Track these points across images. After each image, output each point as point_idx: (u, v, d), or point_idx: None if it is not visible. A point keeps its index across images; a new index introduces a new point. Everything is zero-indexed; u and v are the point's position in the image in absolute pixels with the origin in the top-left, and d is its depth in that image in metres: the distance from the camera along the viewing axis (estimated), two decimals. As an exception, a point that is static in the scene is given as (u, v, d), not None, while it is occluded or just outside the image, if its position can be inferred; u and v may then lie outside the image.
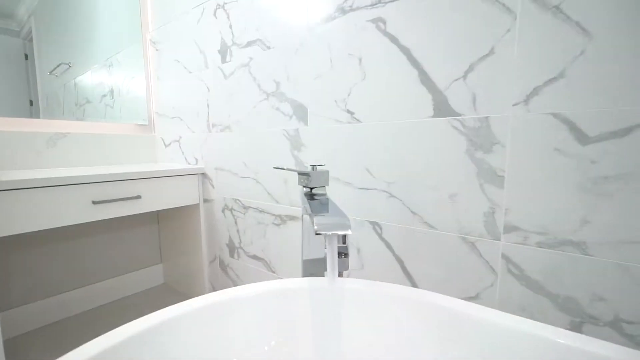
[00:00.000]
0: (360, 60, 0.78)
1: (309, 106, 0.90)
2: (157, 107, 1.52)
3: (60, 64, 1.33)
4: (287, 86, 0.95)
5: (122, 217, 1.42)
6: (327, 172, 0.56)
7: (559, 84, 0.54)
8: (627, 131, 0.49)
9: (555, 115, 0.54)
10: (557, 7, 0.53)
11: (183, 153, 1.40)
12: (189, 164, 1.38)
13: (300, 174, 0.57)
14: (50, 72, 1.31)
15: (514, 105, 0.58)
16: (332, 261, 0.51)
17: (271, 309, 0.50)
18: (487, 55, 0.60)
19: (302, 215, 0.62)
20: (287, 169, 0.55)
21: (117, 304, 1.42)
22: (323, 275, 0.59)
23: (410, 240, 0.74)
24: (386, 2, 0.72)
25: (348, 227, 0.41)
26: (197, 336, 0.46)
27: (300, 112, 0.93)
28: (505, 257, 0.62)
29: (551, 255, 0.57)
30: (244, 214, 1.15)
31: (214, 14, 1.15)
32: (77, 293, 1.33)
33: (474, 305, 0.47)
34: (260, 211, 1.09)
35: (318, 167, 0.58)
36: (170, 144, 1.47)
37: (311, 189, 0.58)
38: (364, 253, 0.83)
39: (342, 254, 0.59)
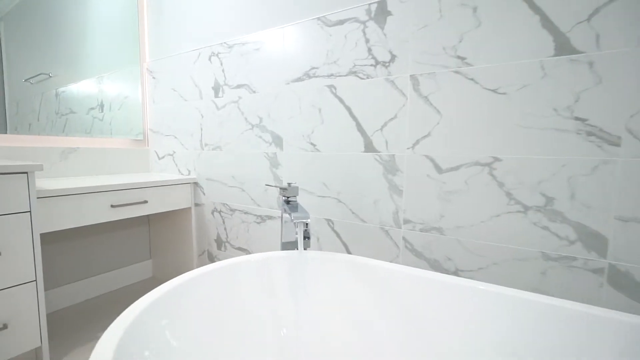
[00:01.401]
0: (320, 110, 1.17)
1: (284, 137, 1.27)
2: (152, 125, 1.80)
3: (40, 74, 1.54)
4: (268, 121, 1.31)
5: (117, 220, 1.68)
6: (297, 187, 0.94)
7: (428, 139, 0.96)
8: (458, 167, 0.92)
9: (426, 156, 0.97)
10: (426, 97, 0.95)
11: (177, 165, 1.69)
12: (181, 174, 1.67)
13: (281, 188, 0.94)
14: (26, 80, 1.52)
15: (407, 148, 1.00)
16: (300, 240, 0.88)
17: (267, 266, 0.86)
18: (393, 118, 1.02)
19: (282, 214, 0.99)
20: (274, 186, 0.91)
21: (114, 293, 1.66)
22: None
23: (351, 230, 1.14)
24: (336, 76, 1.12)
25: (308, 218, 0.79)
26: (223, 282, 0.80)
27: (278, 141, 1.29)
28: (404, 239, 1.03)
29: (426, 236, 0.99)
30: (231, 215, 1.49)
31: (209, 59, 1.48)
32: (84, 283, 1.57)
33: (386, 262, 0.86)
34: (245, 213, 1.43)
35: (292, 184, 0.95)
36: (164, 157, 1.75)
37: (287, 197, 0.95)
38: (322, 240, 1.21)
39: (306, 237, 0.96)
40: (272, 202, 1.34)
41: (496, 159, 0.87)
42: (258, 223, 1.39)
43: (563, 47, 0.77)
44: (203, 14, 1.49)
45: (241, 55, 1.37)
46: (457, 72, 0.90)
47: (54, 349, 1.19)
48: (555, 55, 0.78)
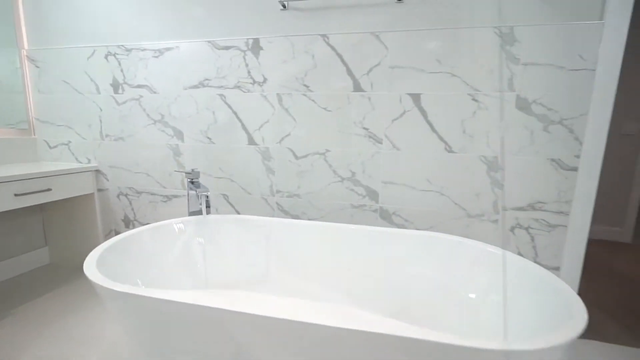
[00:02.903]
0: (213, 113, 1.54)
1: (184, 132, 1.60)
2: (38, 115, 1.81)
3: None
4: (170, 118, 1.61)
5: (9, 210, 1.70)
6: (199, 172, 1.32)
7: (289, 137, 1.47)
8: (307, 155, 1.46)
9: (288, 148, 1.48)
10: (287, 109, 1.45)
11: (74, 154, 1.79)
12: (80, 162, 1.79)
13: (186, 173, 1.31)
14: None
15: (276, 143, 1.49)
16: (204, 208, 1.29)
17: (182, 226, 1.24)
18: (266, 121, 1.48)
19: (188, 191, 1.36)
20: (181, 171, 1.28)
21: (14, 280, 1.71)
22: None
23: (241, 201, 1.58)
24: (225, 88, 1.51)
25: (209, 191, 1.20)
26: (153, 235, 1.15)
27: (179, 134, 1.61)
28: (277, 203, 1.54)
29: (290, 200, 1.52)
30: (138, 197, 1.73)
31: (105, 58, 1.64)
32: (-24, 272, 1.58)
33: (262, 217, 1.35)
34: (152, 194, 1.71)
35: (194, 169, 1.33)
36: (56, 146, 1.82)
37: (192, 179, 1.33)
38: (220, 210, 1.63)
39: (207, 206, 1.37)
40: (177, 184, 1.66)
41: (327, 150, 1.44)
42: (165, 202, 1.70)
43: (357, 87, 1.37)
44: (97, 13, 1.62)
45: (140, 59, 1.59)
46: (304, 94, 1.42)
47: (-34, 328, 1.29)
48: (354, 91, 1.37)
